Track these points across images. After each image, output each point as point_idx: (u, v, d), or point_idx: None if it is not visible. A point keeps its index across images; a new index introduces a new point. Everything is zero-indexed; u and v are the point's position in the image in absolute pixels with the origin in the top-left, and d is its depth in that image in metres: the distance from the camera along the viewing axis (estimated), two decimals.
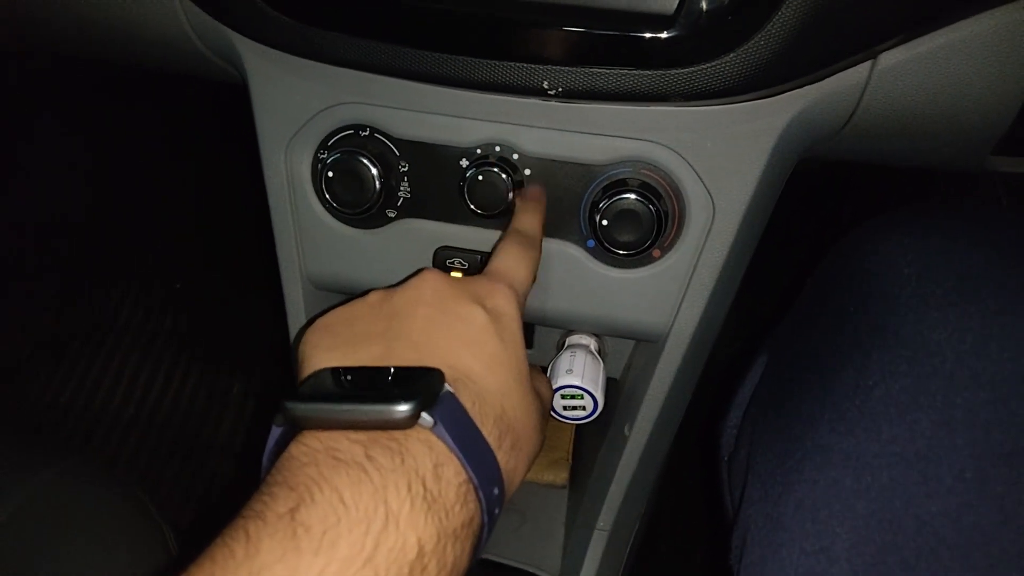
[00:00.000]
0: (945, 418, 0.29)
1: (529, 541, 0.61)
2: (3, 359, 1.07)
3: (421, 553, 0.27)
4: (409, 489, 0.28)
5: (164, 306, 1.14)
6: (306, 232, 0.53)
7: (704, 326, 0.51)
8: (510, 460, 0.35)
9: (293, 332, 0.57)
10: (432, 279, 0.40)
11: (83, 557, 0.44)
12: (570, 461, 0.68)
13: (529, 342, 0.61)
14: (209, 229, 1.19)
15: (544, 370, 0.55)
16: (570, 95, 0.42)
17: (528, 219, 0.46)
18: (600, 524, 0.56)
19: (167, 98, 1.14)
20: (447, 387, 0.33)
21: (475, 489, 0.31)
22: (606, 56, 0.41)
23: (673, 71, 0.40)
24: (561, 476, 0.67)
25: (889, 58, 0.43)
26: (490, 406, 0.35)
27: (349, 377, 0.34)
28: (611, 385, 0.60)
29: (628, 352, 0.60)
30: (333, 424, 0.30)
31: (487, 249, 0.51)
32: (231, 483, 0.96)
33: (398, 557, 0.26)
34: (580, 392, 0.53)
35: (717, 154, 0.46)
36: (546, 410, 0.45)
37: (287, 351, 0.59)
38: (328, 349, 0.37)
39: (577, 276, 0.51)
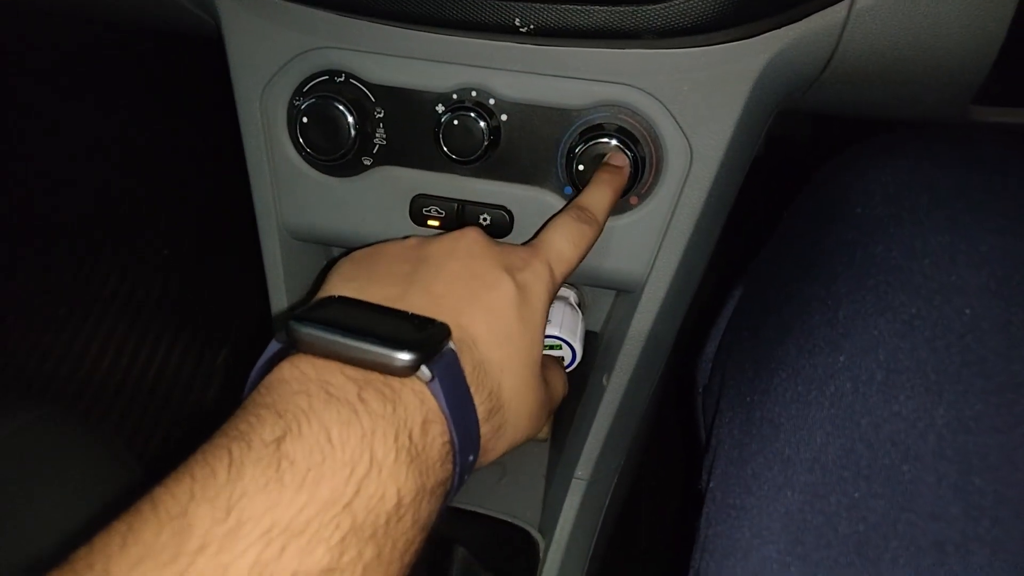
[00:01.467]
0: (907, 329, 0.29)
1: (510, 493, 0.61)
2: None
3: (399, 504, 0.27)
4: (396, 439, 0.28)
5: (152, 274, 1.13)
6: (282, 181, 0.53)
7: (682, 275, 0.51)
8: (492, 438, 0.34)
9: (272, 285, 0.57)
10: (471, 236, 0.39)
11: (55, 496, 0.44)
12: (551, 416, 0.68)
13: None
14: (197, 195, 1.19)
15: None
16: (542, 32, 0.42)
17: (595, 194, 0.44)
18: (579, 473, 0.56)
19: (145, 62, 1.13)
20: (451, 345, 0.32)
21: (455, 452, 0.30)
22: None
23: (645, 7, 0.40)
24: (543, 430, 0.67)
25: None
26: (488, 377, 0.34)
27: (358, 311, 0.33)
28: (591, 338, 0.60)
29: (608, 305, 0.60)
30: (333, 355, 0.29)
31: (464, 197, 0.51)
32: None
33: (376, 505, 0.26)
34: (558, 342, 0.53)
35: (694, 98, 0.46)
36: (552, 404, 0.42)
37: (268, 309, 0.59)
38: (347, 279, 0.37)
39: None
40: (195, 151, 1.20)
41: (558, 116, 0.48)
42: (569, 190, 0.49)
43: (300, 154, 0.51)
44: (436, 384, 0.30)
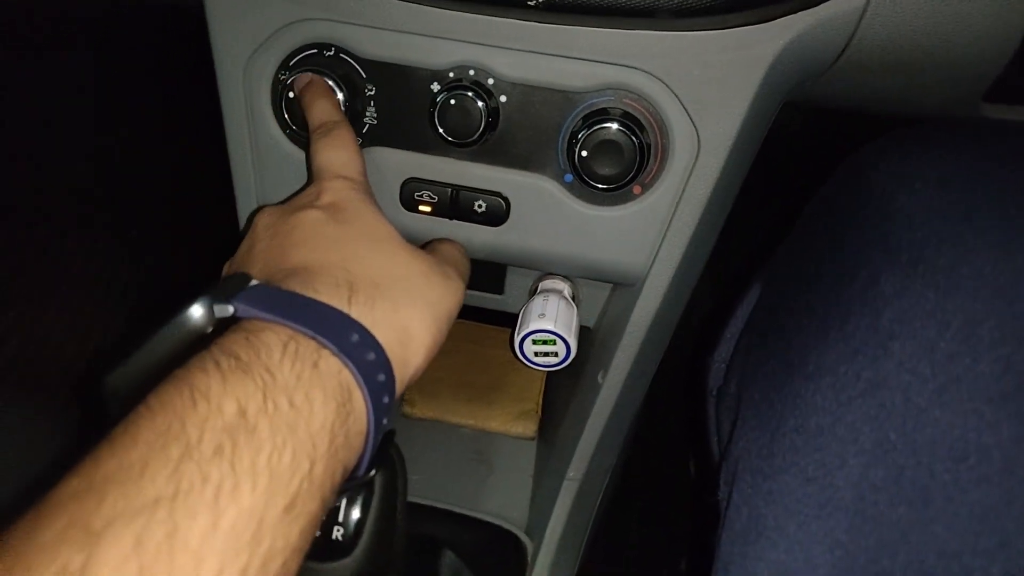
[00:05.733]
0: (966, 336, 0.27)
1: (496, 493, 0.59)
2: None
3: (241, 413, 0.26)
4: (218, 365, 0.27)
5: (120, 255, 1.08)
6: (264, 159, 0.50)
7: (684, 269, 0.49)
8: (374, 309, 0.34)
9: None
10: (260, 218, 0.40)
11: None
12: (539, 413, 0.66)
13: (500, 287, 0.58)
14: (169, 175, 1.14)
15: (516, 317, 0.53)
16: (552, 8, 0.39)
17: (319, 109, 0.45)
18: (570, 474, 0.54)
19: (109, 34, 1.08)
20: (254, 281, 0.33)
21: (310, 337, 0.30)
22: None
23: None
24: (530, 428, 0.65)
25: None
26: (324, 277, 0.34)
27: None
28: (584, 334, 0.58)
29: (602, 300, 0.57)
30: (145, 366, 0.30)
31: (458, 182, 0.48)
32: None
33: (214, 423, 0.25)
34: (552, 337, 0.51)
35: (704, 84, 0.44)
36: (448, 259, 0.42)
37: None
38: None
39: (553, 213, 0.48)
40: (168, 128, 1.15)
41: (560, 99, 0.45)
42: (570, 178, 0.47)
43: (284, 132, 0.48)
44: (244, 307, 0.31)
